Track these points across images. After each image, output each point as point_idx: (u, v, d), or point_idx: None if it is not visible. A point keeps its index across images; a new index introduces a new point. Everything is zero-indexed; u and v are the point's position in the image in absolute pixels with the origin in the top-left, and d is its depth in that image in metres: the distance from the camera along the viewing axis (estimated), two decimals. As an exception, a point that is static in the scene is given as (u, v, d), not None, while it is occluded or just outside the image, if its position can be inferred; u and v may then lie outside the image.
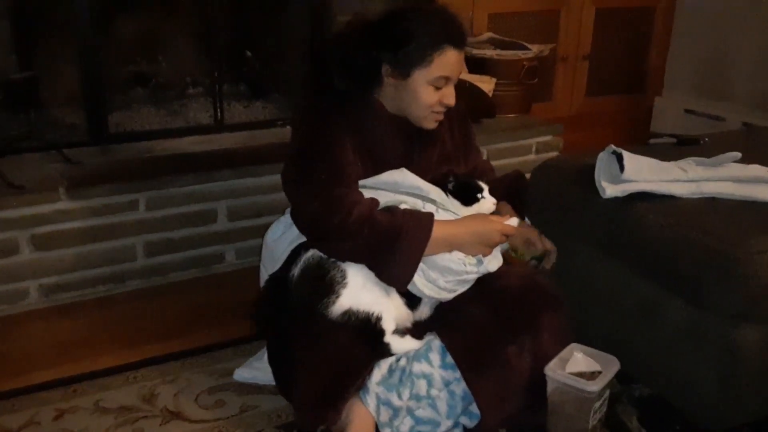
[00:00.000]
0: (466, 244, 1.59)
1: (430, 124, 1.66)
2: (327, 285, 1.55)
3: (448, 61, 1.57)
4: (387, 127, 1.65)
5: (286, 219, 1.72)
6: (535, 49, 3.16)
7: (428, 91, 1.58)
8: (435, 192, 1.64)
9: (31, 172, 2.29)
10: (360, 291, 1.56)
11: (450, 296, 1.63)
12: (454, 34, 1.57)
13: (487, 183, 1.71)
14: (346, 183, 1.55)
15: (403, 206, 1.57)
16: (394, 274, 1.54)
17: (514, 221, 1.64)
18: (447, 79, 1.59)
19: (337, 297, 1.55)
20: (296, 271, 1.60)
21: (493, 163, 2.03)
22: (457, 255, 1.59)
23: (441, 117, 1.66)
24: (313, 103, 1.65)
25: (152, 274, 2.39)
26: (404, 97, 1.60)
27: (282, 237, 1.70)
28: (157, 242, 2.37)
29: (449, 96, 1.61)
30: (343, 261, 1.56)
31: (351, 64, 1.58)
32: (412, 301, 1.63)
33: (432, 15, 1.58)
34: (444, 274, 1.59)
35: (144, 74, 2.97)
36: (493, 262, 1.65)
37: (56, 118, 2.68)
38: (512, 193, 1.81)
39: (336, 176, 1.54)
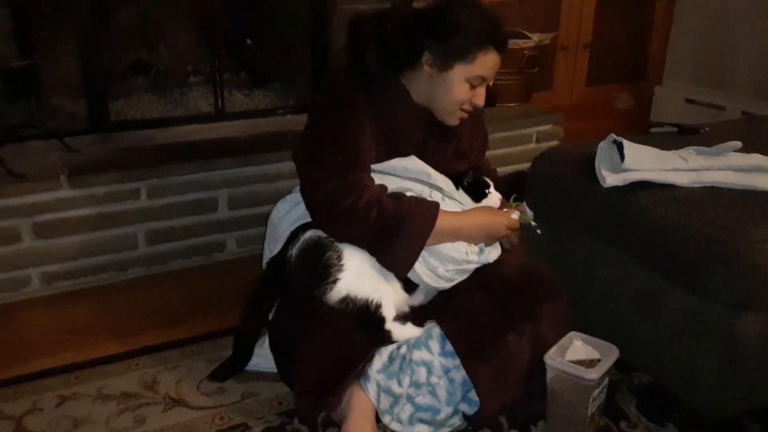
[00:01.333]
0: (471, 236, 1.61)
1: (454, 121, 1.67)
2: (323, 266, 1.56)
3: (489, 62, 1.59)
4: (409, 115, 1.66)
5: (292, 198, 1.73)
6: (535, 37, 3.15)
7: (463, 87, 1.60)
8: (442, 180, 1.65)
9: (32, 160, 2.29)
10: (356, 278, 1.56)
11: (448, 285, 1.64)
12: (499, 38, 1.60)
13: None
14: (361, 167, 1.56)
15: (409, 194, 1.58)
16: (396, 260, 1.55)
17: (516, 215, 1.67)
18: (483, 79, 1.61)
19: (334, 282, 1.55)
20: (294, 251, 1.61)
21: (494, 152, 2.04)
22: (460, 244, 1.60)
23: (466, 116, 1.67)
24: (339, 82, 1.65)
25: (153, 262, 2.39)
26: (437, 89, 1.61)
27: (286, 215, 1.71)
28: (159, 230, 2.37)
29: (480, 96, 1.64)
30: (348, 243, 1.56)
31: (392, 46, 1.59)
32: (409, 285, 1.64)
33: (483, 14, 1.59)
34: (444, 263, 1.60)
35: (145, 62, 2.97)
36: (493, 252, 1.67)
37: (57, 106, 2.67)
38: (513, 189, 1.83)
39: (353, 160, 1.55)
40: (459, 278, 1.64)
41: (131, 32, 2.89)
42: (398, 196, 1.56)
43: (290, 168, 1.71)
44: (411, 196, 1.57)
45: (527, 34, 3.17)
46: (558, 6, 3.59)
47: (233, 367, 1.78)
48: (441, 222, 1.55)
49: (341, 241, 1.57)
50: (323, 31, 2.85)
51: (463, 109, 1.65)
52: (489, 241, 1.64)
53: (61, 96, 2.69)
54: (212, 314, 2.11)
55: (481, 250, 1.62)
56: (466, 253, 1.60)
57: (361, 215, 1.51)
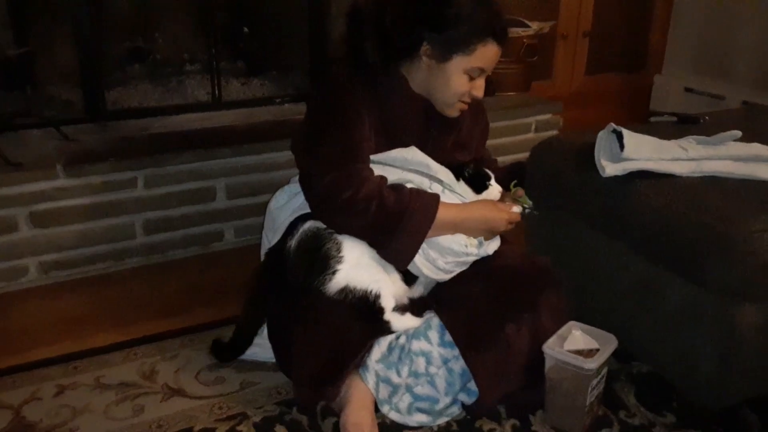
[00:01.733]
0: (471, 229, 1.60)
1: (453, 113, 1.66)
2: (322, 258, 1.55)
3: (489, 54, 1.58)
4: (408, 105, 1.64)
5: (291, 188, 1.72)
6: (535, 26, 3.14)
7: (462, 79, 1.58)
8: (443, 172, 1.64)
9: (28, 149, 2.28)
10: (356, 268, 1.56)
11: (447, 277, 1.64)
12: (499, 30, 1.58)
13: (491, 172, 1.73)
14: (360, 159, 1.55)
15: (409, 185, 1.57)
16: (396, 252, 1.55)
17: (518, 209, 1.66)
18: (482, 71, 1.59)
19: (333, 273, 1.55)
20: (293, 243, 1.60)
21: (492, 142, 2.03)
22: (459, 236, 1.59)
23: (465, 107, 1.66)
24: (337, 71, 1.64)
25: (151, 251, 2.39)
26: (436, 80, 1.60)
27: (285, 205, 1.70)
28: (156, 220, 2.37)
29: (479, 88, 1.62)
30: (347, 235, 1.56)
31: (390, 36, 1.57)
32: (409, 277, 1.64)
33: (482, 5, 1.57)
34: (444, 255, 1.59)
35: (141, 50, 2.95)
36: (492, 244, 1.67)
37: (53, 94, 2.66)
38: (512, 178, 1.82)
39: (351, 152, 1.54)
40: (458, 270, 1.64)
41: (127, 20, 2.87)
42: (398, 188, 1.55)
43: (288, 157, 1.70)
44: (411, 188, 1.57)
45: (526, 22, 3.15)
46: (557, -6, 3.57)
47: (229, 354, 1.79)
48: (441, 214, 1.55)
49: (341, 233, 1.56)
50: (321, 19, 2.83)
51: (462, 101, 1.64)
52: (489, 235, 1.63)
53: (57, 85, 2.68)
54: (210, 304, 2.11)
55: (480, 243, 1.62)
56: (466, 246, 1.60)
57: (360, 208, 1.50)
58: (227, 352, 1.81)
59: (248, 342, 1.75)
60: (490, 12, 1.57)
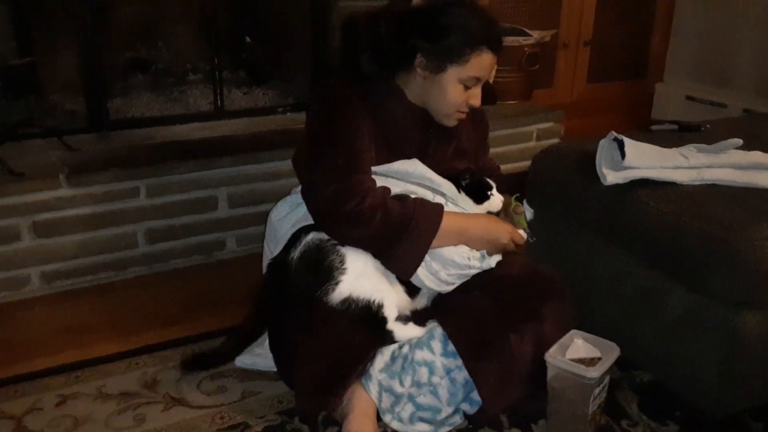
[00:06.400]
0: (474, 239, 1.60)
1: (451, 122, 1.66)
2: (326, 270, 1.55)
3: (483, 63, 1.57)
4: (406, 116, 1.64)
5: (292, 199, 1.72)
6: (536, 35, 3.15)
7: (457, 89, 1.58)
8: (446, 185, 1.65)
9: (31, 158, 2.28)
10: (359, 278, 1.56)
11: (449, 289, 1.64)
12: (493, 38, 1.58)
13: (494, 181, 1.73)
14: (362, 169, 1.55)
15: (412, 196, 1.57)
16: (401, 262, 1.55)
17: (524, 234, 1.66)
18: (478, 80, 1.59)
19: (336, 284, 1.55)
20: (296, 254, 1.60)
21: (494, 150, 2.03)
22: (462, 248, 1.59)
23: (464, 116, 1.65)
24: (334, 83, 1.64)
25: (153, 261, 2.39)
26: (432, 90, 1.60)
27: (286, 217, 1.70)
28: (158, 229, 2.37)
29: (476, 97, 1.62)
30: (352, 246, 1.56)
31: (384, 47, 1.57)
32: (412, 289, 1.64)
33: (475, 14, 1.56)
34: (446, 267, 1.59)
35: (144, 60, 2.96)
36: (494, 257, 1.66)
37: (56, 104, 2.67)
38: (517, 190, 1.83)
39: (353, 162, 1.54)
40: (460, 282, 1.64)
41: (130, 30, 2.89)
42: (402, 198, 1.56)
43: (290, 166, 1.71)
44: (416, 198, 1.57)
45: (528, 31, 3.16)
46: (559, 3, 3.59)
47: (214, 360, 1.79)
48: (446, 223, 1.55)
49: (345, 244, 1.56)
50: (323, 29, 2.84)
51: (460, 111, 1.63)
52: (491, 248, 1.63)
53: (60, 94, 2.69)
54: (212, 313, 2.10)
55: (483, 256, 1.62)
56: (468, 258, 1.60)
57: (365, 218, 1.50)
58: (203, 362, 1.80)
59: (239, 350, 1.75)
60: (482, 21, 1.56)
